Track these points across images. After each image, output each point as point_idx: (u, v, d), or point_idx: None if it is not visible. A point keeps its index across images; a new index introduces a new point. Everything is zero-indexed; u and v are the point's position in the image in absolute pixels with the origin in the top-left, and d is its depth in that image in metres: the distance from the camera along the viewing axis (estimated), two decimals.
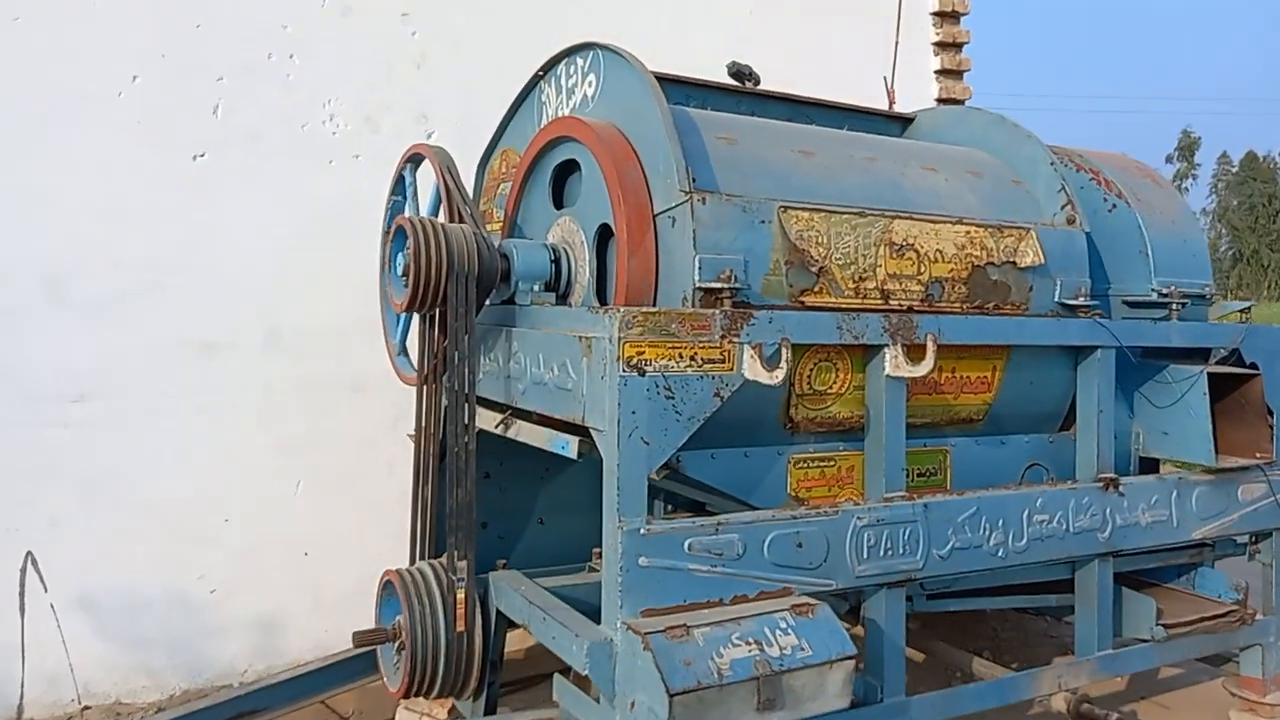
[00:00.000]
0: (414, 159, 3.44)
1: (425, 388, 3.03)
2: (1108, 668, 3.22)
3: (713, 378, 2.44)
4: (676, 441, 2.40)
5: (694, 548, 2.40)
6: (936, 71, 5.64)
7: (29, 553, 3.69)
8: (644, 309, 2.38)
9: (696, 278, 2.53)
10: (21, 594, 3.67)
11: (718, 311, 2.46)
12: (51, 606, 3.71)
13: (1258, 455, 3.43)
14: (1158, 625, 3.26)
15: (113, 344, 3.81)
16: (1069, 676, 3.13)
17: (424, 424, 3.06)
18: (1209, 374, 3.31)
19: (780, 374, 2.42)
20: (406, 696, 2.75)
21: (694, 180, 2.59)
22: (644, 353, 2.35)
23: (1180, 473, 3.35)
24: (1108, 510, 3.12)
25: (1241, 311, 3.72)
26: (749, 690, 2.25)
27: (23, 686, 3.67)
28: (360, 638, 2.78)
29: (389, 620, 2.87)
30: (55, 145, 3.73)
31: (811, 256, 2.73)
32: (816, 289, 2.74)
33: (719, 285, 2.53)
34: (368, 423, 4.28)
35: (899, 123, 3.92)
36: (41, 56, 3.71)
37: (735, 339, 2.47)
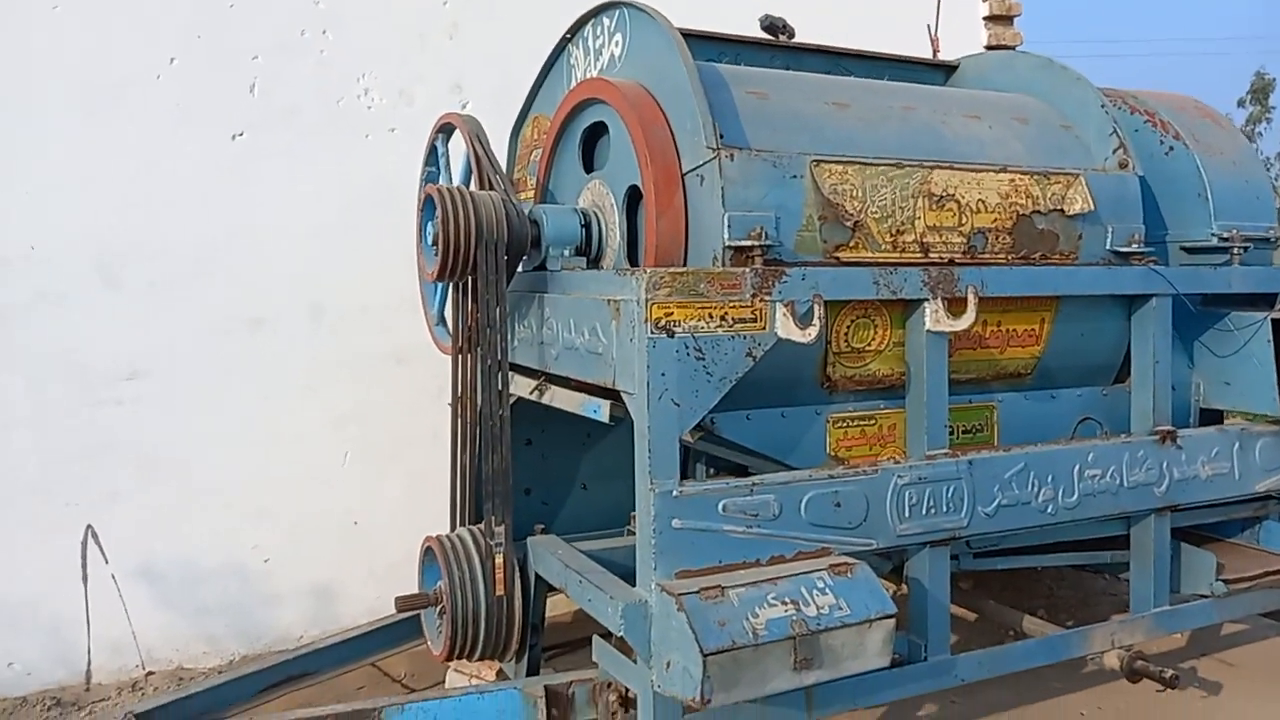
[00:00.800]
0: (445, 129, 3.43)
1: (460, 356, 3.04)
2: (1164, 624, 3.13)
3: (745, 337, 2.40)
4: (708, 403, 2.37)
5: (729, 509, 2.37)
6: (985, 18, 5.44)
7: (89, 526, 3.81)
8: (671, 269, 2.34)
9: (726, 236, 2.49)
10: (84, 566, 3.80)
11: (748, 270, 2.41)
12: (113, 577, 3.83)
13: None
14: (1218, 580, 3.15)
15: (163, 324, 3.89)
16: (1123, 634, 3.05)
17: (459, 392, 3.07)
18: (1273, 320, 3.17)
19: (813, 331, 2.37)
20: (449, 659, 2.78)
21: (721, 136, 2.54)
22: (672, 314, 2.32)
23: (1243, 424, 3.21)
24: (1164, 464, 3.02)
25: None
26: (785, 650, 2.22)
27: (89, 654, 3.81)
28: (402, 602, 2.82)
29: (431, 585, 2.91)
30: (98, 132, 3.78)
31: (846, 211, 2.66)
32: (852, 244, 2.67)
33: (749, 243, 2.47)
34: (412, 393, 4.32)
35: (942, 71, 3.80)
36: (80, 44, 3.77)
37: (767, 297, 2.42)
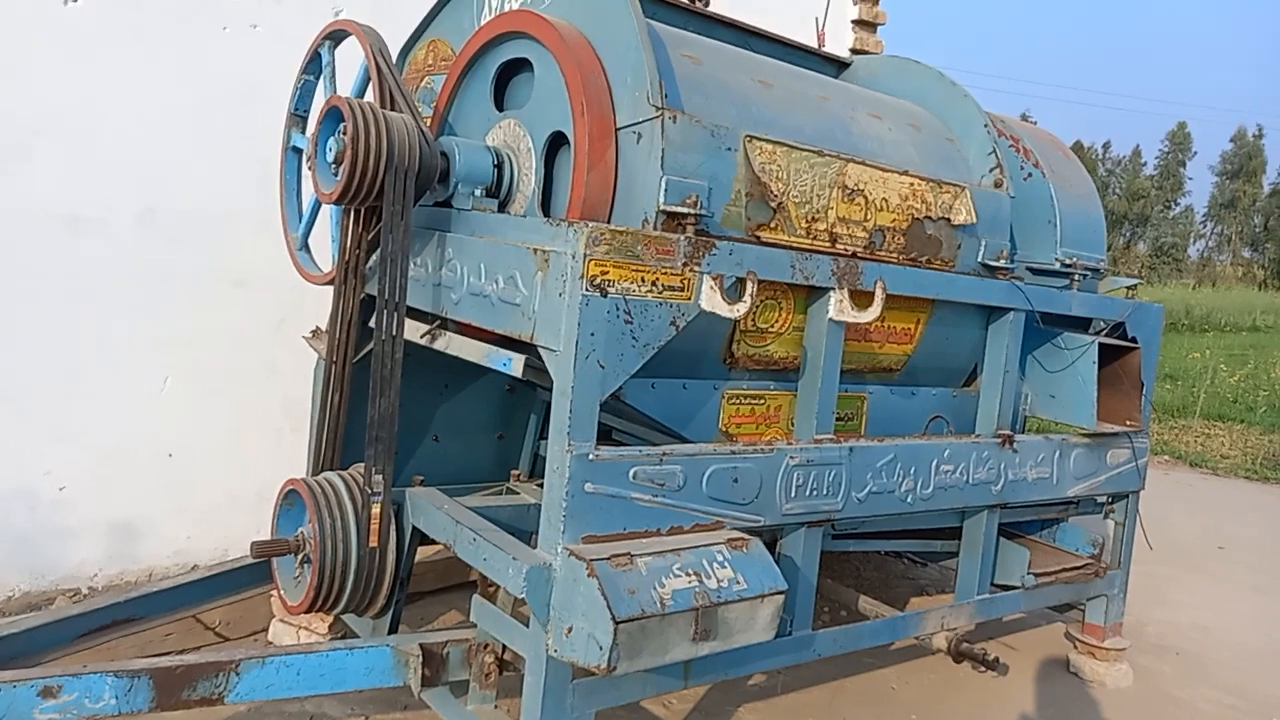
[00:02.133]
0: (334, 36, 3.15)
1: (342, 287, 2.81)
2: (985, 611, 3.42)
3: (671, 305, 2.37)
4: (631, 368, 2.32)
5: (638, 476, 2.34)
6: (853, 21, 5.66)
7: None
8: (612, 227, 2.27)
9: (661, 200, 2.44)
10: None
11: (682, 237, 2.37)
12: None
13: (1128, 423, 3.68)
14: (1028, 574, 3.48)
15: None
16: (951, 617, 3.30)
17: (337, 326, 2.85)
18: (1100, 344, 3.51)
19: (742, 308, 2.37)
20: (309, 611, 2.58)
21: (666, 96, 2.47)
22: (608, 273, 2.24)
23: (1064, 435, 3.55)
24: (1002, 465, 3.28)
25: (1129, 288, 3.95)
26: (687, 621, 2.24)
27: None
28: (259, 548, 2.58)
29: (290, 532, 2.69)
30: None
31: (771, 191, 2.68)
32: (772, 225, 2.70)
33: (684, 210, 2.44)
34: (248, 320, 3.96)
35: (835, 66, 3.90)
36: None
37: (696, 268, 2.39)
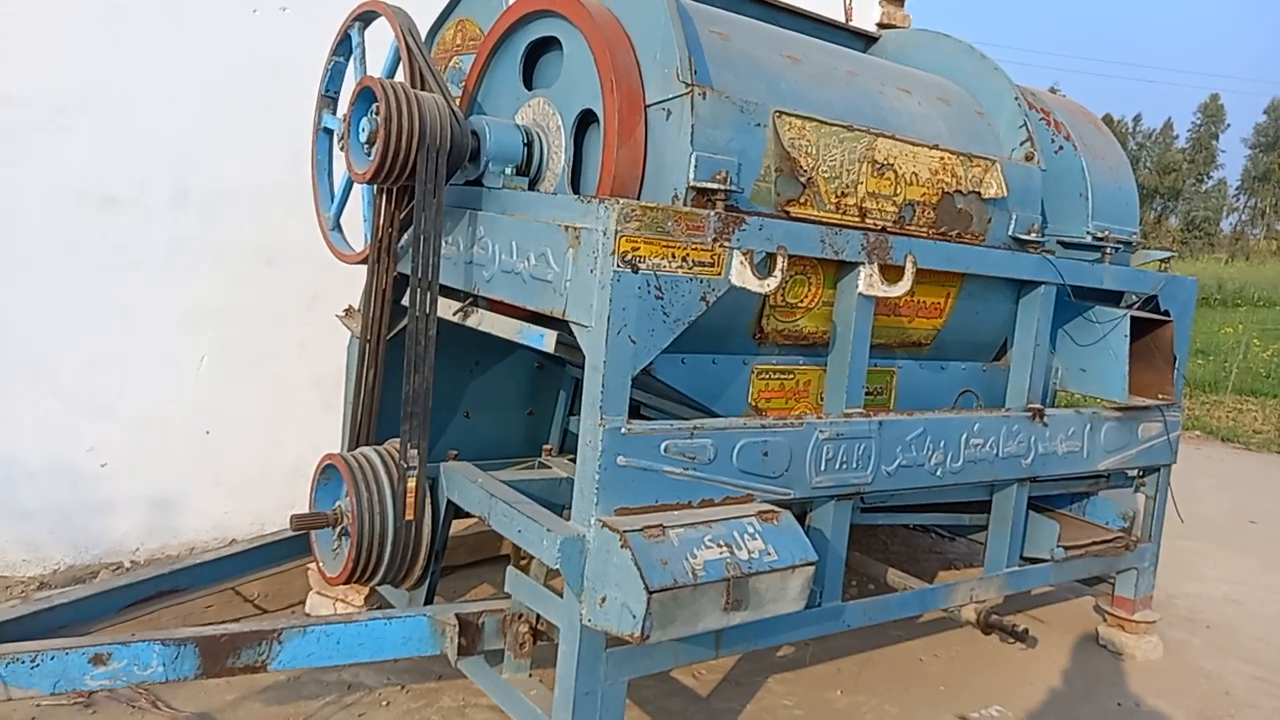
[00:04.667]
0: (364, 17, 3.17)
1: (377, 266, 2.85)
2: (1014, 583, 3.43)
3: (701, 281, 2.38)
4: (661, 343, 2.34)
5: (669, 450, 2.37)
6: None
7: None
8: (643, 204, 2.28)
9: (691, 176, 2.45)
10: None
11: (712, 213, 2.39)
12: None
13: (1160, 396, 3.67)
14: (1058, 547, 3.48)
15: (3, 185, 3.40)
16: (980, 590, 3.32)
17: (371, 304, 2.89)
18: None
19: (772, 283, 2.39)
20: (347, 583, 2.64)
21: (695, 72, 2.48)
22: (639, 249, 2.26)
23: (1095, 408, 3.54)
24: (1032, 438, 3.28)
25: (1162, 261, 3.92)
26: (719, 591, 2.27)
27: None
28: (299, 521, 2.64)
29: (327, 505, 2.74)
30: None
31: (801, 166, 2.68)
32: (802, 200, 2.70)
33: (714, 186, 2.45)
34: (280, 298, 4.03)
35: (863, 40, 3.88)
36: None
37: (726, 243, 2.41)
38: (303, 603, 3.57)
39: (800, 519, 2.96)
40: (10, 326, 3.46)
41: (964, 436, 3.07)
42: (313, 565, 3.30)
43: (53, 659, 2.17)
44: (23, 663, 2.13)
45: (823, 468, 2.71)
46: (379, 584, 2.71)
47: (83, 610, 2.46)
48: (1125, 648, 3.92)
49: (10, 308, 3.45)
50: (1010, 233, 3.26)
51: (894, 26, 5.60)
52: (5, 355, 3.46)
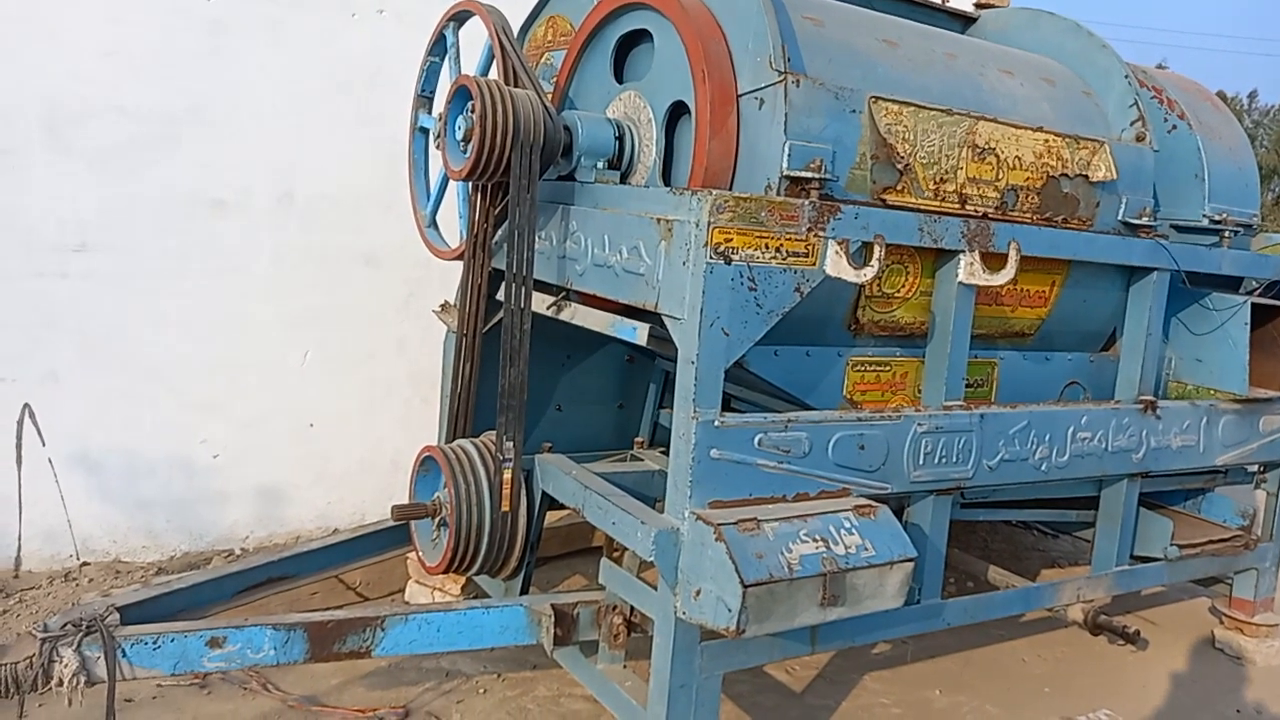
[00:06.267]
0: (458, 17, 3.22)
1: (473, 261, 2.90)
2: (1124, 583, 3.29)
3: (795, 272, 2.35)
4: (755, 335, 2.32)
5: (763, 443, 2.35)
6: None
7: (26, 405, 3.52)
8: (735, 194, 2.26)
9: (785, 165, 2.41)
10: (19, 446, 3.53)
11: (806, 202, 2.35)
12: (49, 461, 3.57)
13: None
14: (1172, 545, 3.33)
15: (117, 195, 3.58)
16: (1088, 589, 3.20)
17: (467, 299, 2.94)
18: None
19: (869, 273, 2.34)
20: (446, 572, 2.70)
21: (788, 60, 2.44)
22: (731, 240, 2.24)
23: (1212, 400, 3.37)
24: (1144, 432, 3.14)
25: None
26: (815, 586, 2.24)
27: (20, 539, 3.56)
28: (399, 512, 2.71)
29: (426, 496, 2.80)
30: None
31: (898, 153, 2.62)
32: (899, 187, 2.64)
33: (808, 175, 2.41)
34: (379, 298, 4.13)
35: (961, 21, 3.77)
36: None
37: (821, 233, 2.37)
38: (402, 591, 3.66)
39: (898, 514, 2.90)
40: (129, 331, 3.63)
41: (1070, 430, 2.96)
42: (412, 555, 3.38)
43: (173, 641, 2.27)
44: (146, 644, 2.24)
45: (921, 462, 2.64)
46: (476, 574, 2.76)
47: (198, 595, 2.58)
48: (1244, 652, 3.73)
49: (130, 314, 3.62)
50: (1120, 217, 3.12)
51: (993, 6, 5.41)
52: (127, 358, 3.64)
